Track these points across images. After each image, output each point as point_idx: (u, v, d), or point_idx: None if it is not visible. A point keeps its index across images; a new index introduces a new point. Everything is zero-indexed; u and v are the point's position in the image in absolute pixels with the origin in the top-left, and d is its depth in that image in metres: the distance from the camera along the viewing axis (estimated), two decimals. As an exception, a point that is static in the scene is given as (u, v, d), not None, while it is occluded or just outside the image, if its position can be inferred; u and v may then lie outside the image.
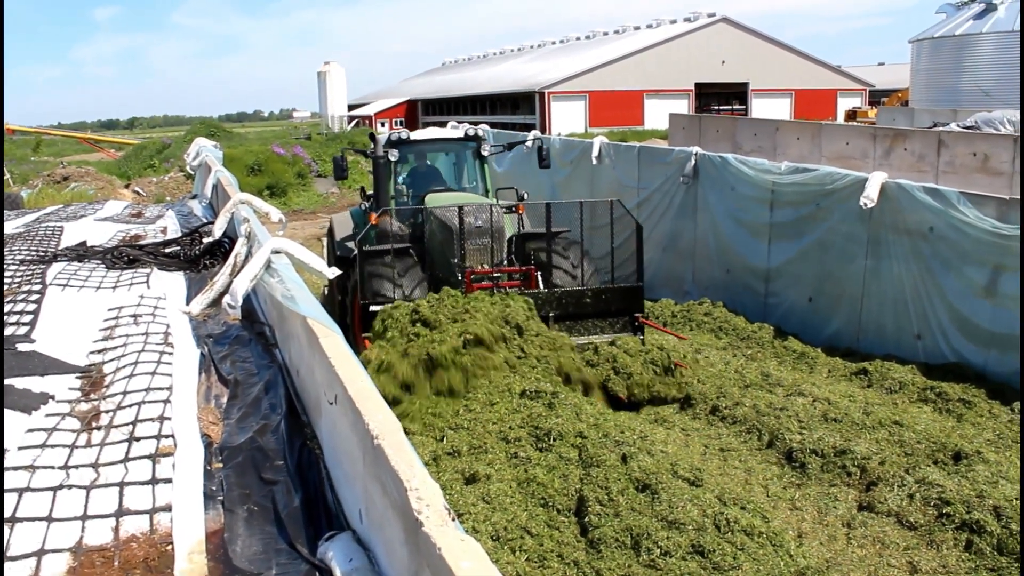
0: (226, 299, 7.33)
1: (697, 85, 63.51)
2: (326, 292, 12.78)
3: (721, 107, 62.05)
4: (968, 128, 21.23)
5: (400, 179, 12.09)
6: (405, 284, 9.69)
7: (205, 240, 10.88)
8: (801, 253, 11.51)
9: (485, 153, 12.28)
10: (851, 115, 47.55)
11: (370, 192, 12.52)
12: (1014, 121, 20.86)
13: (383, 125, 66.06)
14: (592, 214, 10.68)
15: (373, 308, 8.90)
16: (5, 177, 19.48)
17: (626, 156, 15.63)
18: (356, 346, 9.32)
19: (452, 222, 10.12)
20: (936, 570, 5.84)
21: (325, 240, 13.19)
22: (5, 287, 8.72)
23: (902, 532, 6.26)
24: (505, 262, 10.54)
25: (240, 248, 8.41)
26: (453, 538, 2.91)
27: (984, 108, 26.04)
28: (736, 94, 65.27)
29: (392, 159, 11.55)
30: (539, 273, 10.38)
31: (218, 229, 10.51)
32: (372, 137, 11.83)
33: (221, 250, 10.20)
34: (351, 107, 70.92)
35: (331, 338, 5.06)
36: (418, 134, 12.21)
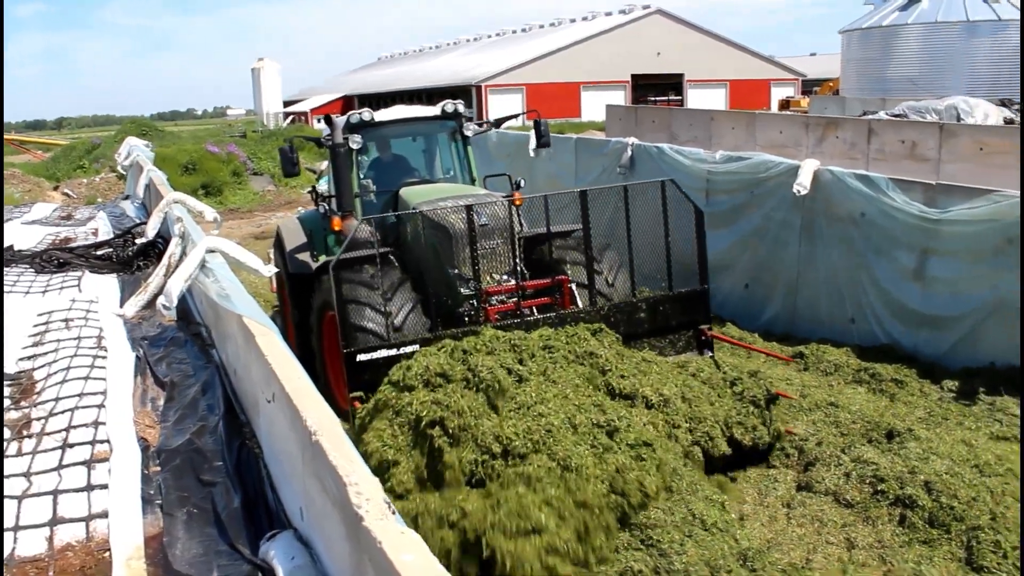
0: (160, 300, 7.20)
1: (633, 76, 64.01)
2: (276, 308, 11.37)
3: (657, 98, 62.60)
4: (896, 116, 21.72)
5: (363, 171, 9.65)
6: (394, 309, 7.38)
7: (138, 241, 10.69)
8: (737, 241, 11.66)
9: (468, 133, 9.93)
10: (784, 104, 48.33)
11: (323, 190, 10.25)
12: (939, 110, 21.39)
13: (319, 121, 65.37)
14: (616, 202, 8.08)
15: (362, 358, 6.68)
16: None
17: (563, 148, 15.69)
18: (333, 400, 7.66)
19: (449, 222, 7.81)
20: (872, 545, 5.98)
21: (272, 253, 10.76)
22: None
23: (839, 510, 6.40)
24: (519, 271, 8.06)
25: (174, 248, 8.27)
26: (393, 531, 2.90)
27: (912, 97, 26.68)
28: (672, 85, 65.92)
29: (354, 147, 9.09)
30: (573, 285, 7.94)
31: (151, 229, 10.32)
32: (328, 120, 9.28)
33: (155, 251, 10.03)
34: (286, 104, 70.08)
35: (267, 336, 5.01)
36: (385, 114, 9.67)
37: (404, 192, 8.96)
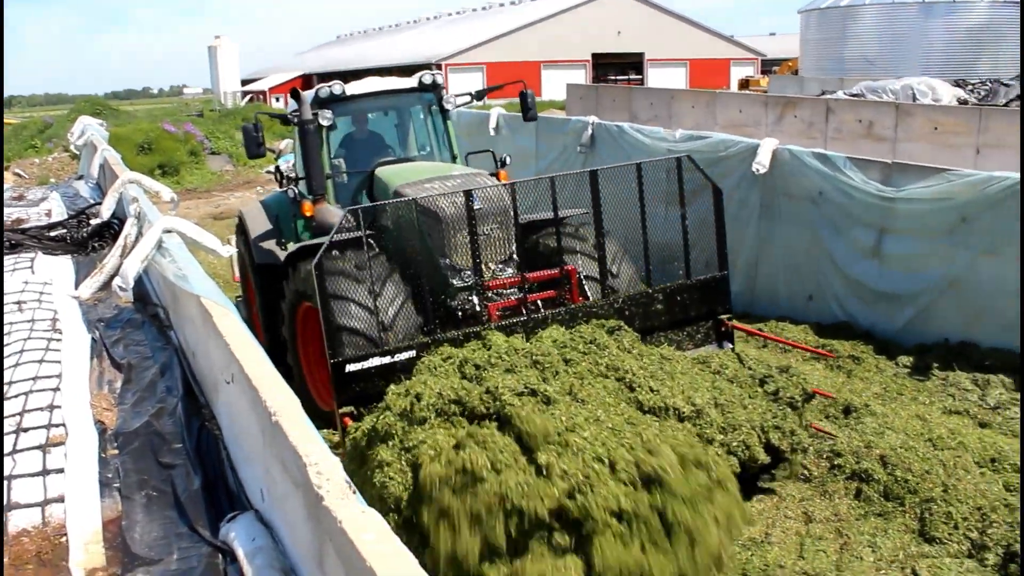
0: (116, 281, 7.11)
1: (594, 55, 63.95)
2: (240, 298, 10.58)
3: (618, 77, 62.64)
4: (854, 96, 21.93)
5: (333, 149, 8.78)
6: (382, 307, 6.47)
7: (93, 222, 10.51)
8: (696, 219, 11.71)
9: (448, 106, 9.11)
10: (744, 84, 48.56)
11: (289, 170, 9.25)
12: (895, 90, 21.62)
13: (277, 100, 64.65)
14: (622, 182, 7.25)
15: (352, 368, 5.85)
16: None
17: (524, 127, 15.64)
18: (307, 397, 7.43)
19: (439, 206, 6.99)
20: (829, 519, 6.09)
21: (233, 241, 9.87)
22: None
23: (797, 485, 6.51)
24: (515, 259, 7.26)
25: (130, 229, 8.15)
26: (355, 511, 2.90)
27: (869, 77, 26.96)
28: (632, 64, 65.96)
29: (324, 123, 8.25)
30: (582, 275, 7.24)
31: (106, 210, 10.15)
32: (295, 95, 8.32)
33: (110, 232, 9.88)
34: (244, 82, 69.17)
35: (226, 317, 4.96)
36: (357, 87, 8.80)
37: (381, 172, 8.15)
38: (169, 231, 6.87)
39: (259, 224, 9.12)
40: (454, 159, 9.09)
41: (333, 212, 7.96)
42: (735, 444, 5.82)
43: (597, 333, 6.27)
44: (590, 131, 13.54)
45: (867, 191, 9.36)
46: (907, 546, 5.68)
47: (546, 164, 14.79)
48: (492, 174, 8.39)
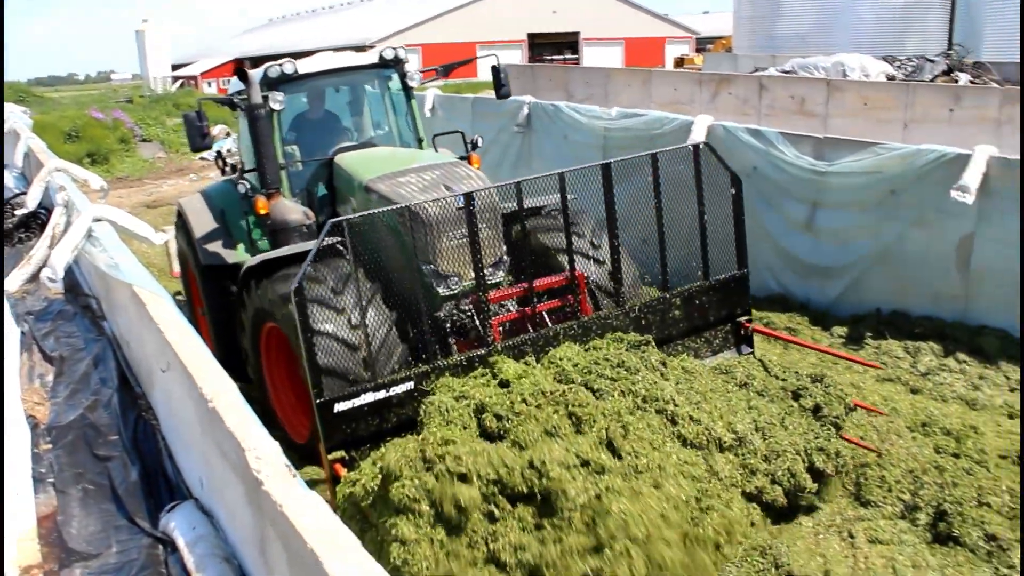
0: (46, 273, 6.92)
1: (529, 35, 63.85)
2: (180, 296, 9.67)
3: (554, 57, 62.66)
4: (786, 73, 22.23)
5: (283, 134, 7.79)
6: (367, 338, 5.49)
7: (18, 212, 10.22)
8: (632, 197, 11.80)
9: (413, 84, 8.28)
10: (679, 62, 48.97)
11: (229, 155, 8.48)
12: (826, 66, 21.96)
13: (209, 86, 63.46)
14: (629, 174, 6.55)
15: (342, 407, 5.06)
16: None
17: (460, 108, 15.59)
18: (276, 421, 6.77)
19: (421, 206, 6.03)
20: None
21: (170, 234, 9.03)
22: None
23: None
24: (505, 261, 6.59)
25: (58, 218, 7.93)
26: (295, 495, 2.88)
27: (801, 54, 27.33)
28: (568, 44, 66.01)
29: (277, 107, 7.35)
30: (590, 280, 6.58)
31: (32, 200, 9.88)
32: (241, 74, 7.18)
33: (37, 222, 9.63)
34: (175, 67, 67.70)
35: (160, 305, 4.88)
36: (310, 64, 7.86)
37: (343, 161, 7.40)
38: (99, 220, 6.71)
39: (202, 219, 8.11)
40: (420, 143, 8.39)
41: (290, 208, 7.19)
42: (780, 473, 5.39)
43: (624, 355, 5.63)
44: (526, 111, 13.53)
45: (800, 166, 9.51)
46: (844, 510, 5.82)
47: (483, 145, 14.75)
48: (463, 158, 7.81)
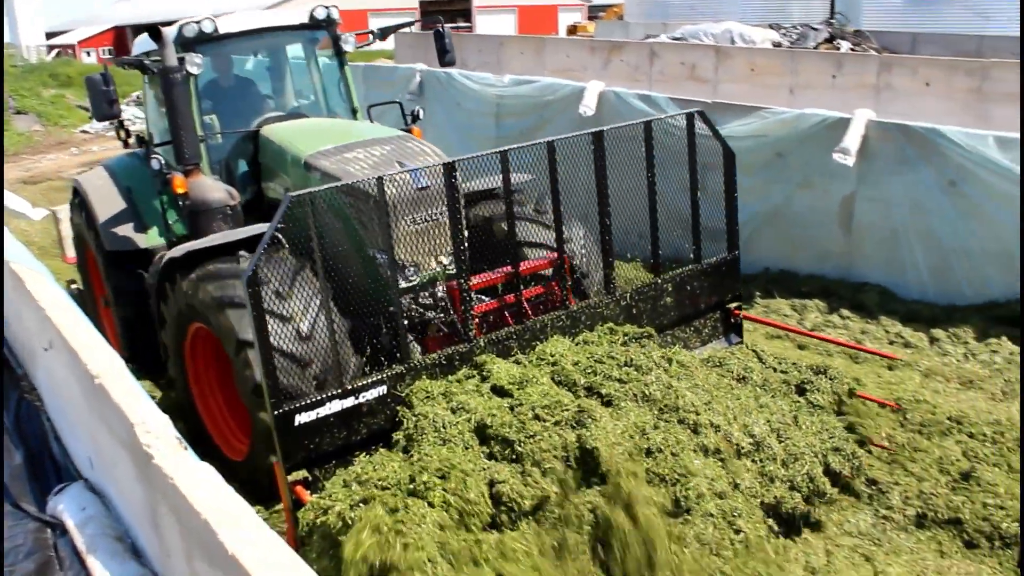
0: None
1: (422, 3, 63.07)
2: (78, 291, 8.65)
3: (447, 25, 62.16)
4: (676, 40, 22.56)
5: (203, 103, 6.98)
6: (322, 346, 4.88)
7: None
8: (526, 164, 11.88)
9: (348, 48, 7.53)
10: (572, 30, 49.09)
11: (139, 131, 7.57)
12: (715, 33, 22.37)
13: (88, 55, 60.82)
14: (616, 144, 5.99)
15: (304, 419, 4.39)
16: None
17: (327, 78, 15.37)
18: (205, 436, 5.97)
19: (374, 186, 4.87)
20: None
21: (64, 217, 8.17)
22: None
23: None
24: (466, 248, 5.26)
25: (-75, 194, 7.52)
26: (187, 467, 2.82)
27: (690, 21, 27.77)
28: (461, 11, 65.48)
29: (194, 71, 6.48)
30: (574, 265, 6.03)
31: None
32: (155, 34, 6.22)
33: (-97, 198, 9.08)
34: (49, 35, 64.57)
35: (39, 281, 4.69)
36: (232, 23, 6.99)
37: (272, 134, 6.67)
38: (-30, 194, 6.40)
39: (105, 198, 7.21)
40: (354, 113, 7.70)
41: (212, 187, 6.47)
42: (800, 479, 4.96)
43: (632, 352, 5.13)
44: (418, 79, 13.40)
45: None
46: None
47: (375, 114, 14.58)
48: (404, 131, 7.06)
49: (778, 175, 9.08)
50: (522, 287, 5.51)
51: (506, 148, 5.18)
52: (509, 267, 5.50)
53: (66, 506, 3.98)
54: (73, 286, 8.80)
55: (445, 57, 8.11)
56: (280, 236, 4.40)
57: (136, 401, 3.16)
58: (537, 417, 4.43)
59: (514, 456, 4.27)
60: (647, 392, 4.84)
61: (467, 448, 4.29)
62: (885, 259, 8.54)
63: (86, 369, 3.57)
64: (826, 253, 8.92)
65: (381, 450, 4.46)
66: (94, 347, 3.72)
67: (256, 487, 4.90)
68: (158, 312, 6.23)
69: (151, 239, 7.01)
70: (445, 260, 5.66)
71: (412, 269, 5.58)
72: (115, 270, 7.10)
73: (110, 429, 3.40)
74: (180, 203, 6.54)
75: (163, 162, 6.67)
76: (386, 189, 4.89)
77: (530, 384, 4.70)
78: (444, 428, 4.35)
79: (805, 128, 8.77)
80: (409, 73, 13.57)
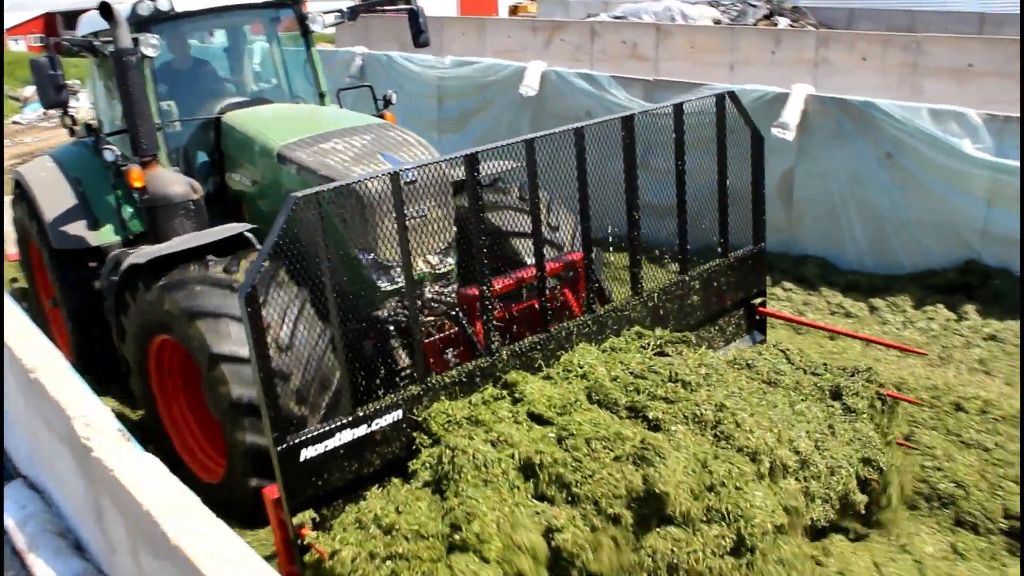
0: None
1: (363, -14, 62.53)
2: (21, 291, 8.22)
3: (387, 7, 61.57)
4: (617, 18, 22.61)
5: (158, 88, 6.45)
6: (304, 356, 4.68)
7: None
8: (469, 144, 11.84)
9: (316, 28, 7.12)
10: (513, 10, 48.92)
11: (90, 120, 7.04)
12: (656, 11, 22.46)
13: (16, 42, 59.10)
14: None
15: (310, 453, 3.83)
16: None
17: (289, 60, 15.16)
18: (173, 456, 5.42)
19: (359, 184, 4.64)
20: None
21: (12, 212, 7.42)
22: None
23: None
24: (453, 246, 5.43)
25: None
26: (130, 459, 2.78)
27: (630, 1, 27.85)
28: (402, -6, 65.04)
29: (150, 53, 5.96)
30: (587, 264, 5.34)
31: None
32: (107, 12, 5.52)
33: None
34: (-24, 24, 62.59)
35: (-30, 274, 4.56)
36: (189, 1, 6.49)
37: (236, 121, 6.23)
38: None
39: (52, 191, 6.65)
40: (322, 98, 7.23)
41: (172, 179, 5.99)
42: (834, 494, 4.57)
43: (676, 365, 4.60)
44: (359, 62, 13.27)
45: (630, 108, 9.73)
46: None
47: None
48: (376, 116, 6.67)
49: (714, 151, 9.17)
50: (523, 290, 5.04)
51: (532, 136, 4.66)
52: (525, 270, 4.95)
53: (5, 505, 3.90)
54: (16, 284, 8.35)
55: (420, 38, 7.70)
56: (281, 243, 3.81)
57: (74, 394, 3.10)
58: (592, 451, 3.91)
59: (570, 498, 3.78)
60: (698, 413, 4.33)
61: (513, 488, 3.77)
62: (824, 232, 8.69)
63: (21, 364, 3.49)
64: (767, 227, 9.03)
65: (401, 486, 3.93)
66: (29, 340, 3.63)
67: (235, 510, 4.52)
68: (117, 323, 5.73)
69: (104, 236, 6.45)
70: (433, 260, 5.31)
71: (399, 270, 5.05)
72: (63, 269, 6.60)
73: (48, 424, 3.34)
74: (137, 197, 6.02)
75: (117, 153, 6.14)
76: (369, 184, 4.52)
77: (574, 410, 4.20)
78: (486, 466, 3.78)
79: (745, 104, 8.81)
80: (349, 57, 13.43)
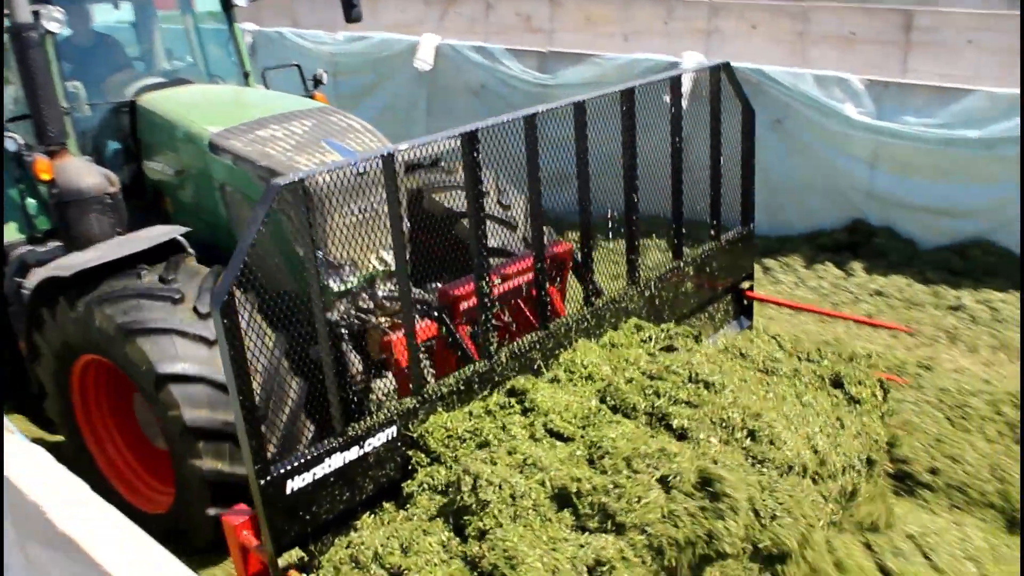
0: None
1: (251, -39, 60.86)
2: None
3: (280, -16, 60.26)
4: (512, -9, 22.57)
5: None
6: (284, 396, 4.34)
7: None
8: (367, 120, 11.72)
9: (240, 2, 6.66)
10: (408, -14, 48.51)
11: None
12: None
13: None
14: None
15: (299, 483, 3.45)
16: None
17: (181, 38, 14.69)
18: (102, 483, 4.97)
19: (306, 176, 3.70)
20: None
21: None
22: None
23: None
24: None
25: None
26: (11, 450, 2.67)
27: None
28: (293, -31, 63.65)
29: (54, 28, 5.24)
30: (578, 256, 5.06)
31: None
32: None
33: None
34: None
35: None
36: None
37: (155, 105, 5.63)
38: None
39: None
40: (246, 78, 6.68)
41: (85, 170, 5.29)
42: (838, 490, 4.18)
43: (696, 363, 4.25)
44: (249, 39, 12.93)
45: (525, 80, 9.78)
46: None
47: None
48: (306, 96, 6.26)
49: (617, 121, 9.26)
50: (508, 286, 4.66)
51: (533, 111, 4.30)
52: (526, 259, 4.61)
53: None
54: None
55: (352, 12, 6.89)
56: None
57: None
58: (629, 467, 3.47)
59: (613, 527, 3.29)
60: (727, 419, 3.91)
61: (545, 522, 3.31)
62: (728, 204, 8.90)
63: None
64: (664, 193, 9.19)
65: (396, 512, 3.57)
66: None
67: (187, 542, 4.26)
68: (29, 341, 5.11)
69: (7, 234, 5.74)
70: (387, 256, 4.84)
71: (349, 269, 4.74)
72: None
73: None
74: (46, 191, 5.40)
75: (20, 142, 5.48)
76: (316, 177, 3.76)
77: (598, 420, 3.84)
78: (517, 499, 3.32)
79: (638, 73, 8.96)
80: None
